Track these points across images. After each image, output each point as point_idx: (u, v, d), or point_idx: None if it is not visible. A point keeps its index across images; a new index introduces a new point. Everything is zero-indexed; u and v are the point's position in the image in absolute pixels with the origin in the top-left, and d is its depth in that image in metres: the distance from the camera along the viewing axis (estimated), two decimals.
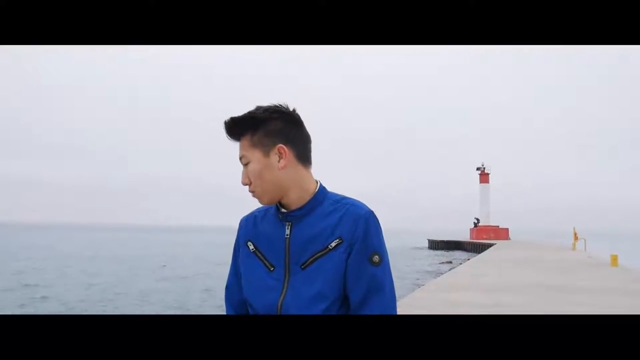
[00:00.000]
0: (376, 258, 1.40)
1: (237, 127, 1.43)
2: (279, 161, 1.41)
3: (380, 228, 1.45)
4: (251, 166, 1.43)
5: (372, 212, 1.44)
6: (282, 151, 1.41)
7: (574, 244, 33.28)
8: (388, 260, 1.44)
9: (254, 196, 1.46)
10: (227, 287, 1.60)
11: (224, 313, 1.60)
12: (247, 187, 1.45)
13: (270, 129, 1.41)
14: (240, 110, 1.44)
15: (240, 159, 1.45)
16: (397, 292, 1.44)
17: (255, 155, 1.42)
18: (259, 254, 1.47)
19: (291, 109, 1.45)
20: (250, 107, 1.45)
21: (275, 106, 1.43)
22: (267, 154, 1.41)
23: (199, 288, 19.94)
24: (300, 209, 1.44)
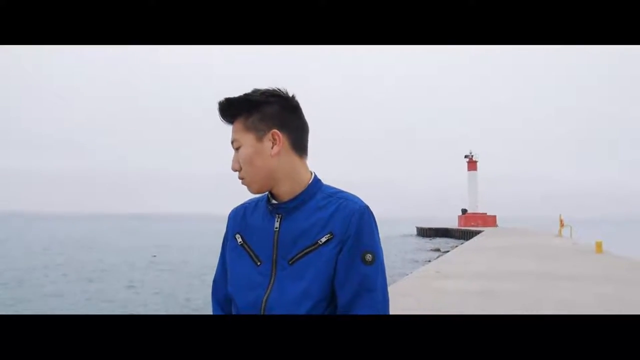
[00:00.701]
0: (369, 257, 1.31)
1: (231, 109, 1.37)
2: (272, 147, 1.34)
3: (376, 225, 1.37)
4: (242, 151, 1.36)
5: (367, 207, 1.36)
6: (276, 137, 1.34)
7: (560, 231, 33.68)
8: (382, 260, 1.35)
9: (243, 183, 1.39)
10: (214, 281, 1.54)
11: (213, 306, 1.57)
12: (237, 173, 1.39)
13: (265, 113, 1.35)
14: None
15: (232, 142, 1.38)
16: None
17: (248, 140, 1.35)
18: (247, 247, 1.41)
19: (290, 95, 1.38)
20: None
21: (274, 90, 1.37)
22: (260, 138, 1.35)
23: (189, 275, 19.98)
24: (291, 200, 1.37)
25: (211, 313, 1.54)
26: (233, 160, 1.39)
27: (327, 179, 1.47)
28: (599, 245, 18.18)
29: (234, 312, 1.41)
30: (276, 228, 1.37)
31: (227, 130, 1.41)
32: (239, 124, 1.37)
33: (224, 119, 1.39)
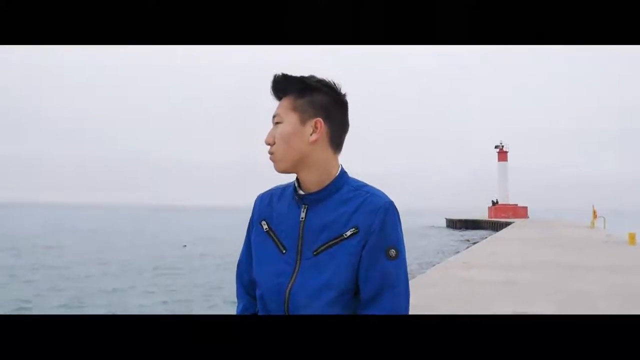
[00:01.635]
0: (392, 252, 1.34)
1: (285, 84, 1.40)
2: (311, 134, 1.37)
3: (400, 221, 1.39)
4: (282, 127, 1.38)
5: (392, 203, 1.38)
6: (319, 125, 1.37)
7: (592, 222, 32.98)
8: (405, 256, 1.38)
9: (271, 159, 1.41)
10: (239, 264, 1.58)
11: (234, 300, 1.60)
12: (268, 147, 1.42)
13: (316, 100, 1.38)
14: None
15: (274, 117, 1.41)
16: (411, 270, 1.44)
17: (291, 119, 1.38)
18: (272, 234, 1.44)
19: (343, 92, 1.42)
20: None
21: (329, 81, 1.40)
22: (303, 122, 1.37)
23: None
24: (318, 192, 1.40)
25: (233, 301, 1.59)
26: (268, 134, 1.41)
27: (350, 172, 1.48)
28: (632, 237, 17.78)
29: (257, 296, 1.46)
30: (302, 218, 1.40)
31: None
32: (287, 101, 1.40)
33: (274, 92, 1.43)
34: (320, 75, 1.41)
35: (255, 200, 1.55)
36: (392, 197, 1.41)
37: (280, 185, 1.53)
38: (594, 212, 33.25)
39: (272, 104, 1.45)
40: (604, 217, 31.62)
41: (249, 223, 1.54)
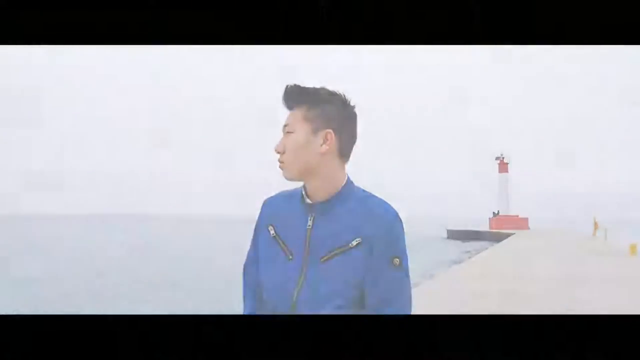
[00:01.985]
0: (396, 261, 1.38)
1: (297, 95, 1.43)
2: (321, 145, 1.40)
3: (404, 232, 1.42)
4: (293, 137, 1.41)
5: (396, 214, 1.41)
6: (330, 137, 1.41)
7: (594, 233, 33.00)
8: (408, 265, 1.41)
9: (280, 167, 1.44)
10: (245, 265, 1.60)
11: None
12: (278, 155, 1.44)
13: (327, 111, 1.41)
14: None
15: (285, 126, 1.44)
16: (412, 281, 1.46)
17: (303, 129, 1.41)
18: (279, 240, 1.46)
19: (352, 104, 1.46)
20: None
21: (340, 94, 1.43)
22: (314, 132, 1.40)
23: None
24: (325, 202, 1.42)
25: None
26: (279, 143, 1.44)
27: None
28: (632, 248, 17.73)
29: (265, 300, 1.48)
30: (309, 226, 1.42)
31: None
32: (299, 112, 1.42)
33: (286, 102, 1.45)
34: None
35: (263, 204, 1.57)
36: (393, 207, 1.44)
37: (287, 191, 1.54)
38: (596, 223, 33.29)
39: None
40: (605, 228, 31.59)
41: (256, 226, 1.56)
